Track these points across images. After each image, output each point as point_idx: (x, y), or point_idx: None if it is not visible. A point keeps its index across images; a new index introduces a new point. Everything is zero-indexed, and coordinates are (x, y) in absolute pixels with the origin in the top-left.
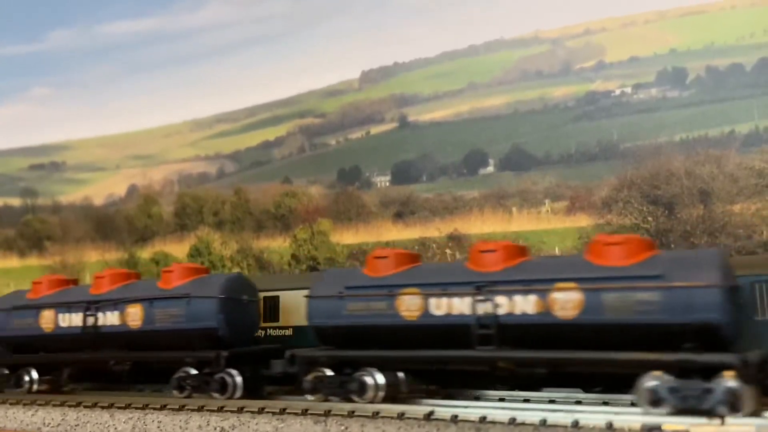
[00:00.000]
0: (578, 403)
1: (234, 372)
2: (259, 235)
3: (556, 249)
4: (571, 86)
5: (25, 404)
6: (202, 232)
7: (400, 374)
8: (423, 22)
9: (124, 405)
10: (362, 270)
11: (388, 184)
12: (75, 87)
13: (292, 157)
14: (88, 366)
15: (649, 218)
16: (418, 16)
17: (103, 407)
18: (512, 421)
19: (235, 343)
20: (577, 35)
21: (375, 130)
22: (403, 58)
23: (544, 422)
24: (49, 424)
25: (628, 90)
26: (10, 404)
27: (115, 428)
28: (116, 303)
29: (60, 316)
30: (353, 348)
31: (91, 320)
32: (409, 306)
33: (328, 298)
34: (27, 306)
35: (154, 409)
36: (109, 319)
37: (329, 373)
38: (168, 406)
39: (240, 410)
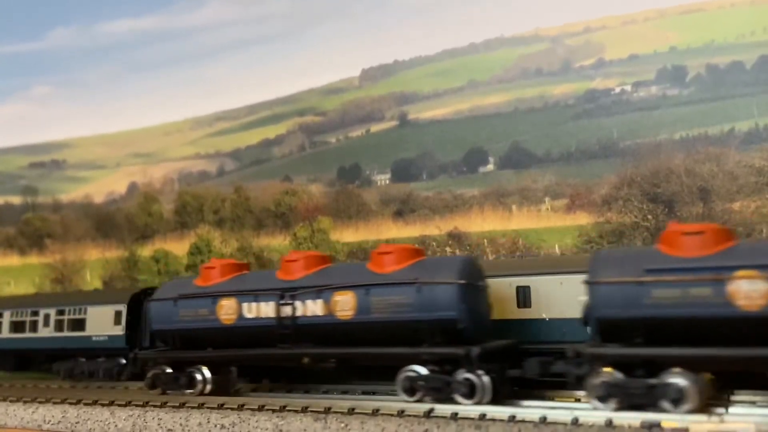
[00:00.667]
0: (578, 400)
1: (480, 372)
2: (259, 233)
3: (556, 247)
4: (571, 84)
5: (25, 402)
6: (202, 230)
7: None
8: (423, 20)
9: (124, 402)
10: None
11: (388, 182)
12: (75, 86)
13: (292, 155)
14: (277, 363)
15: (649, 216)
16: (419, 14)
17: (103, 404)
18: (512, 418)
19: (475, 337)
20: (577, 33)
21: (375, 128)
22: (403, 56)
23: (544, 419)
24: (50, 421)
25: (628, 88)
26: (11, 402)
27: (116, 425)
28: (320, 290)
29: (245, 305)
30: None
31: (286, 310)
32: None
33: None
34: (199, 294)
35: (155, 406)
36: (310, 308)
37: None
38: (168, 404)
39: (240, 407)
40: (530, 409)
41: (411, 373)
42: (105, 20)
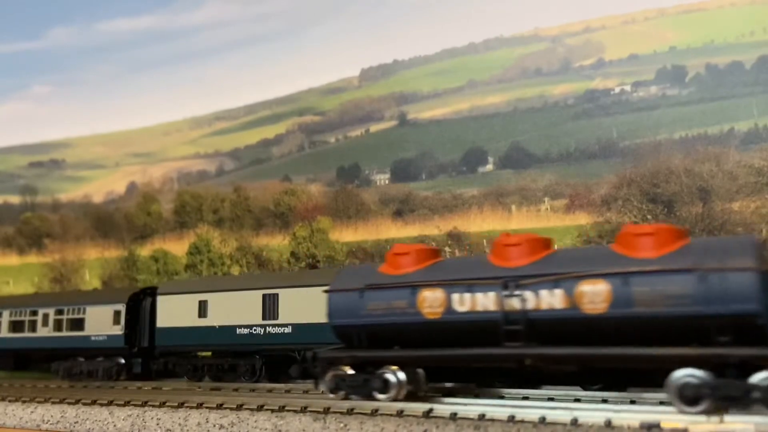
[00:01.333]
0: (577, 401)
1: None
2: (259, 232)
3: (555, 247)
4: (571, 84)
5: (24, 401)
6: (201, 230)
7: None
8: (423, 20)
9: (123, 402)
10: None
11: (387, 182)
12: (75, 85)
13: (292, 155)
14: (498, 365)
15: (649, 216)
16: (418, 14)
17: (102, 404)
18: (511, 418)
19: None
20: (577, 33)
21: (374, 128)
22: (402, 55)
23: (543, 420)
24: (48, 421)
25: (628, 88)
26: (10, 401)
27: (114, 425)
28: (559, 279)
29: (455, 297)
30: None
31: (513, 303)
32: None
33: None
34: (393, 284)
35: (153, 406)
36: (546, 300)
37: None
38: (167, 403)
39: (239, 407)
40: (530, 409)
41: (691, 379)
42: (105, 19)
